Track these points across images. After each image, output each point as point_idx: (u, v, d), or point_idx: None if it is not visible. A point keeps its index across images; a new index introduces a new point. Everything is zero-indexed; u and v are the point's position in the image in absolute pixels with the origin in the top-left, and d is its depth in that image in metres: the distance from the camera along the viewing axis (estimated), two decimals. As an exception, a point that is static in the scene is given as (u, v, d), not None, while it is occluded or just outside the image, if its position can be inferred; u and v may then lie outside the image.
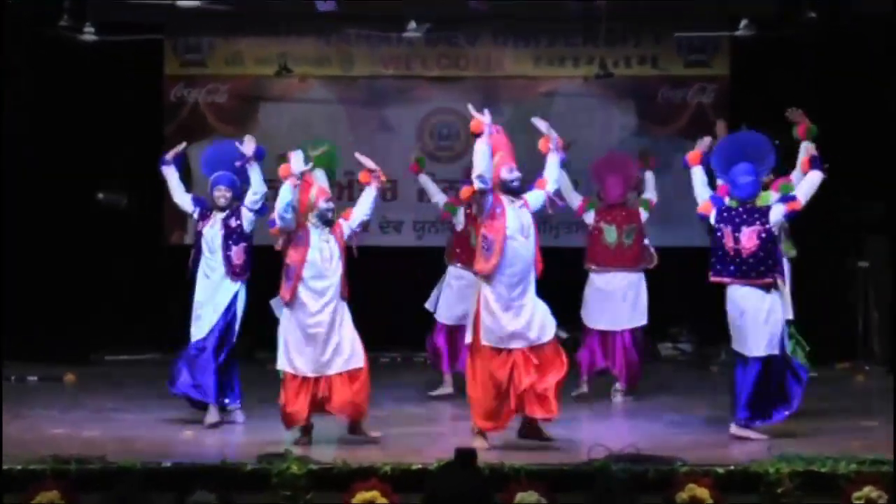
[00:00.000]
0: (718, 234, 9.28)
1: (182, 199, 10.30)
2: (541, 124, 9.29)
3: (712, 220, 9.32)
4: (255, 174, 9.88)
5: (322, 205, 9.13)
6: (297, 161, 9.13)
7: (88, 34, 12.79)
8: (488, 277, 8.85)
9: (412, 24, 13.19)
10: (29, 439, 8.92)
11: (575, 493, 7.69)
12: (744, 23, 12.99)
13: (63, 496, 7.59)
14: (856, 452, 8.20)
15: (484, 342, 8.87)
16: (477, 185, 8.87)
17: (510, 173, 9.00)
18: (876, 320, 13.41)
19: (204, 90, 14.27)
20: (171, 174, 10.34)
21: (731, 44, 13.86)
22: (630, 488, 7.68)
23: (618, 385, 11.13)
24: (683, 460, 8.03)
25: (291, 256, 9.05)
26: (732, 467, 7.87)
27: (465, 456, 6.65)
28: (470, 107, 9.10)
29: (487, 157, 8.87)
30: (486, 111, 9.04)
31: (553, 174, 9.20)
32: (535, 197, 9.10)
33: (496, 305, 8.84)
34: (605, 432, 9.19)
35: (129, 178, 13.84)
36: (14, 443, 8.45)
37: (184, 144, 10.60)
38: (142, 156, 13.93)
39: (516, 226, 8.89)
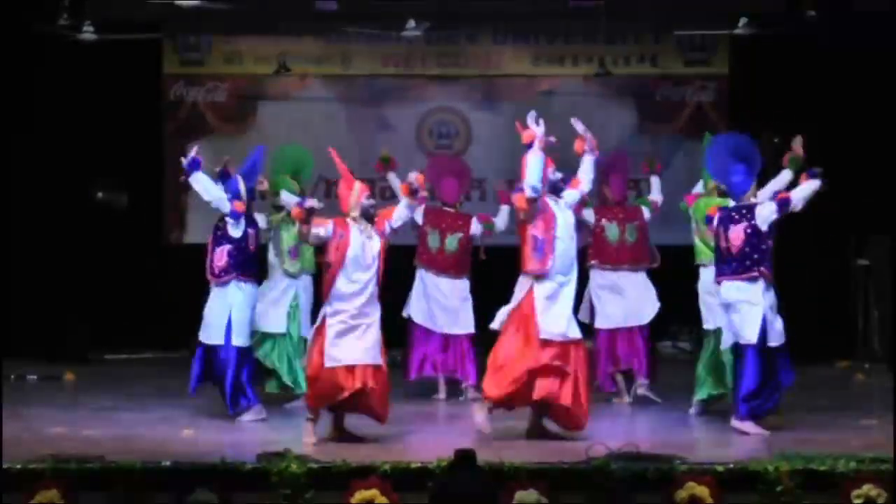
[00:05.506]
0: (717, 236, 9.40)
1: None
2: (578, 126, 9.47)
3: (715, 223, 9.45)
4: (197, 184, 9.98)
5: (365, 201, 9.20)
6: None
7: (87, 33, 12.79)
8: (541, 276, 9.05)
9: (411, 23, 13.19)
10: (28, 438, 8.90)
11: (575, 491, 7.69)
12: (743, 21, 12.99)
13: (62, 495, 7.58)
14: (855, 451, 8.19)
15: (543, 336, 9.04)
16: (530, 193, 9.05)
17: (554, 174, 9.31)
18: (876, 319, 13.42)
19: (203, 89, 14.28)
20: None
21: (731, 42, 13.87)
22: (629, 487, 7.68)
23: (640, 380, 11.10)
24: (683, 459, 8.02)
25: (332, 254, 9.05)
26: (732, 465, 7.86)
27: (466, 457, 6.65)
28: (530, 117, 9.24)
29: (540, 168, 9.06)
30: (538, 121, 9.20)
31: (588, 175, 9.49)
32: (570, 196, 9.38)
33: (548, 302, 9.07)
34: (604, 431, 9.18)
35: (128, 177, 13.85)
36: (13, 442, 8.42)
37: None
38: (141, 155, 13.97)
39: (564, 225, 9.19)
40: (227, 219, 9.98)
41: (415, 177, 9.39)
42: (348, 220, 9.15)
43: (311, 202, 9.33)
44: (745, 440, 9.06)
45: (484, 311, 11.41)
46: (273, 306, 10.71)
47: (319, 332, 9.08)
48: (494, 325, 9.25)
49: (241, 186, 10.06)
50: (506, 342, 9.14)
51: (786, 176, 9.86)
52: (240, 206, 9.99)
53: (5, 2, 12.54)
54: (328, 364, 8.97)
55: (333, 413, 9.20)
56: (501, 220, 11.35)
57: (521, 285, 9.18)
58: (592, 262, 11.14)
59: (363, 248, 9.06)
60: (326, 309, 9.08)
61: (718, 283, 9.45)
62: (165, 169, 14.21)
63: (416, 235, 11.38)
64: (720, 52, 14.14)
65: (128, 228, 13.81)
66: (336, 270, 9.01)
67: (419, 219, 11.21)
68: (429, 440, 9.31)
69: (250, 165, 10.28)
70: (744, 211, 9.39)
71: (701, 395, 10.24)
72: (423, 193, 9.56)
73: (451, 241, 11.29)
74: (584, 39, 14.11)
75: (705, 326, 10.40)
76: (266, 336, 10.70)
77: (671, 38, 14.03)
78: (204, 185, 9.90)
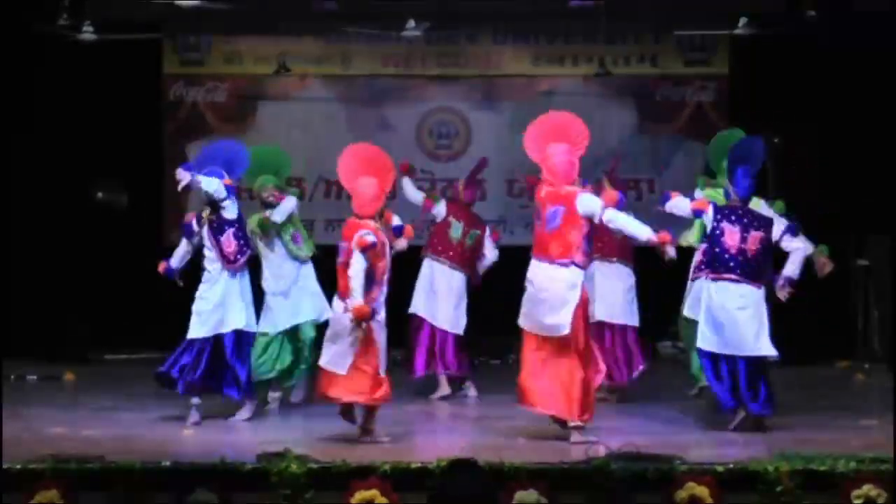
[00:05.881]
0: (718, 231, 9.36)
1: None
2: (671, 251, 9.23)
3: (708, 220, 9.41)
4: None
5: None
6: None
7: (87, 33, 12.80)
8: (582, 269, 9.07)
9: (411, 23, 13.19)
10: (28, 438, 8.91)
11: (575, 491, 7.68)
12: (743, 21, 12.99)
13: (62, 495, 7.57)
14: (855, 451, 8.18)
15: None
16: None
17: None
18: (876, 319, 13.42)
19: (203, 89, 14.28)
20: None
21: (731, 42, 13.87)
22: (629, 487, 7.68)
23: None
24: (683, 459, 8.02)
25: (374, 262, 8.94)
26: (732, 466, 7.85)
27: (465, 464, 6.65)
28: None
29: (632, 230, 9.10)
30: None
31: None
32: None
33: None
34: (604, 431, 9.17)
35: (128, 177, 13.85)
36: (13, 442, 8.42)
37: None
38: (141, 155, 13.97)
39: None
40: (223, 203, 9.97)
41: (408, 227, 9.36)
42: (375, 225, 9.04)
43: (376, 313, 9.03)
44: (745, 440, 9.05)
45: (481, 314, 11.49)
46: (302, 296, 10.58)
47: (369, 339, 8.96)
48: (564, 329, 8.87)
49: (224, 174, 10.12)
50: (585, 355, 9.01)
51: (806, 247, 9.79)
52: (228, 181, 10.00)
53: (5, 2, 12.54)
54: (383, 373, 8.99)
55: (347, 413, 9.19)
56: (494, 253, 11.47)
57: (565, 276, 8.97)
58: (595, 254, 11.14)
59: (386, 251, 9.08)
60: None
61: (725, 278, 9.40)
62: (165, 169, 14.21)
63: (428, 231, 11.47)
64: (720, 52, 14.14)
65: (128, 228, 13.81)
66: (380, 276, 8.95)
67: (442, 212, 11.30)
68: (429, 440, 9.32)
69: (231, 158, 10.25)
70: (762, 220, 9.46)
71: (704, 381, 10.17)
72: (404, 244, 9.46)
73: (472, 237, 11.37)
74: (584, 39, 14.11)
75: (687, 314, 10.30)
76: (282, 331, 10.66)
77: (671, 38, 14.03)
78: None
